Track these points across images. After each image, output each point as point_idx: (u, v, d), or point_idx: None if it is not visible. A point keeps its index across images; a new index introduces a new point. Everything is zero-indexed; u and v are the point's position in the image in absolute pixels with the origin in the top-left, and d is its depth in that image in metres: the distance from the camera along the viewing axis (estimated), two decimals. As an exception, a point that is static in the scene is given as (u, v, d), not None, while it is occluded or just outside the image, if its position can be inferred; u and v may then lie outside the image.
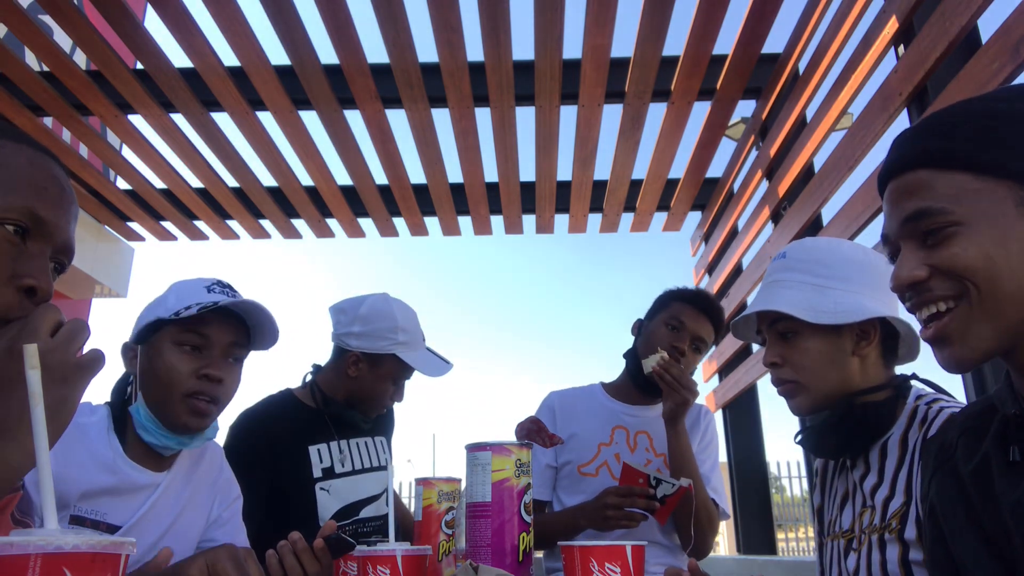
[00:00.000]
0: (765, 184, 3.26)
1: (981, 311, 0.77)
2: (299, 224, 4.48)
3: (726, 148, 3.77)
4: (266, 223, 4.46)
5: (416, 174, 3.87)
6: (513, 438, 1.39)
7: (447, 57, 2.92)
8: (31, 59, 3.28)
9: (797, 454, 13.47)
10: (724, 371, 3.92)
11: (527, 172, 3.82)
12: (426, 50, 2.98)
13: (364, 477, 2.00)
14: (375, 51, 2.99)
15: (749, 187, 3.45)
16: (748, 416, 3.89)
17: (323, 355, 2.09)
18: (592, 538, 1.80)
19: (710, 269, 4.22)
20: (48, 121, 3.66)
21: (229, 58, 3.02)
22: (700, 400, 2.17)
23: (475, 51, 2.90)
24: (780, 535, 12.63)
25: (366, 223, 4.44)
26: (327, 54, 2.98)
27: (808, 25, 2.75)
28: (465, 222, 4.41)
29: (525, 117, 3.32)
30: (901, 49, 2.08)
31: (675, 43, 2.90)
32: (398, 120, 3.42)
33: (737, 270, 3.78)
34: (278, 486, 1.87)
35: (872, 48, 2.19)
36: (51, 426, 0.71)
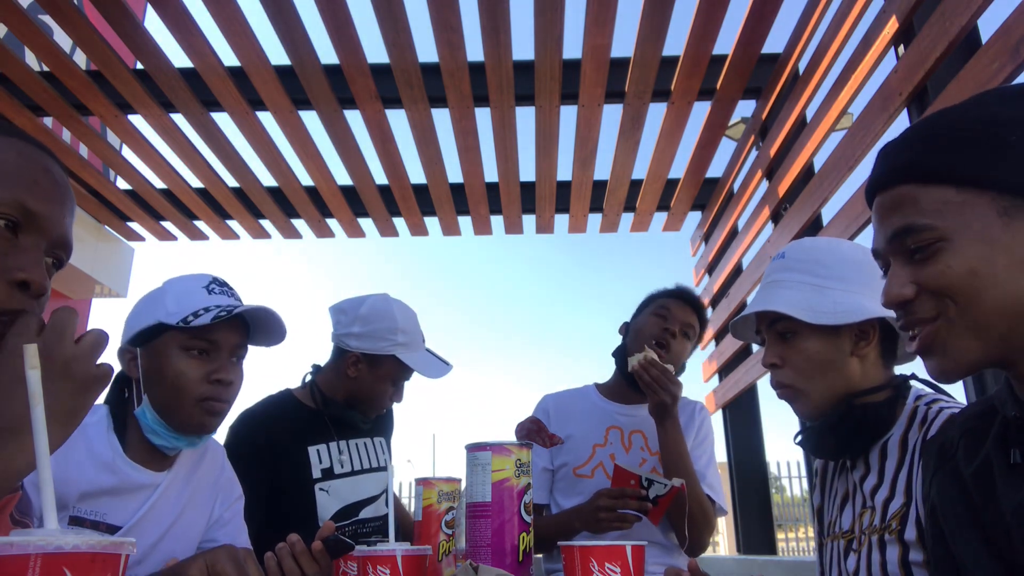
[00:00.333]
0: (765, 184, 3.26)
1: (962, 326, 0.77)
2: (299, 224, 4.48)
3: (726, 148, 3.77)
4: (266, 223, 4.46)
5: (416, 174, 3.88)
6: (513, 438, 1.39)
7: (447, 57, 2.92)
8: (31, 59, 3.28)
9: (797, 454, 13.48)
10: (724, 371, 3.92)
11: (527, 172, 3.82)
12: (426, 50, 2.98)
13: (363, 478, 2.00)
14: (375, 51, 3.00)
15: (749, 187, 3.45)
16: (748, 416, 3.89)
17: (323, 355, 2.09)
18: (592, 538, 1.80)
19: (710, 269, 4.22)
20: (48, 121, 3.67)
21: (229, 58, 3.02)
22: (700, 400, 2.19)
23: (475, 51, 2.90)
24: (780, 535, 12.64)
25: (366, 223, 4.44)
26: (327, 54, 2.98)
27: (808, 25, 2.75)
28: (465, 222, 4.41)
29: (525, 117, 3.32)
30: (901, 49, 2.08)
31: (675, 43, 2.90)
32: (398, 120, 3.42)
33: (737, 270, 3.78)
34: (277, 487, 1.87)
35: (872, 48, 2.19)
36: (61, 432, 0.72)
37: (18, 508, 0.87)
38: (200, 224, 4.51)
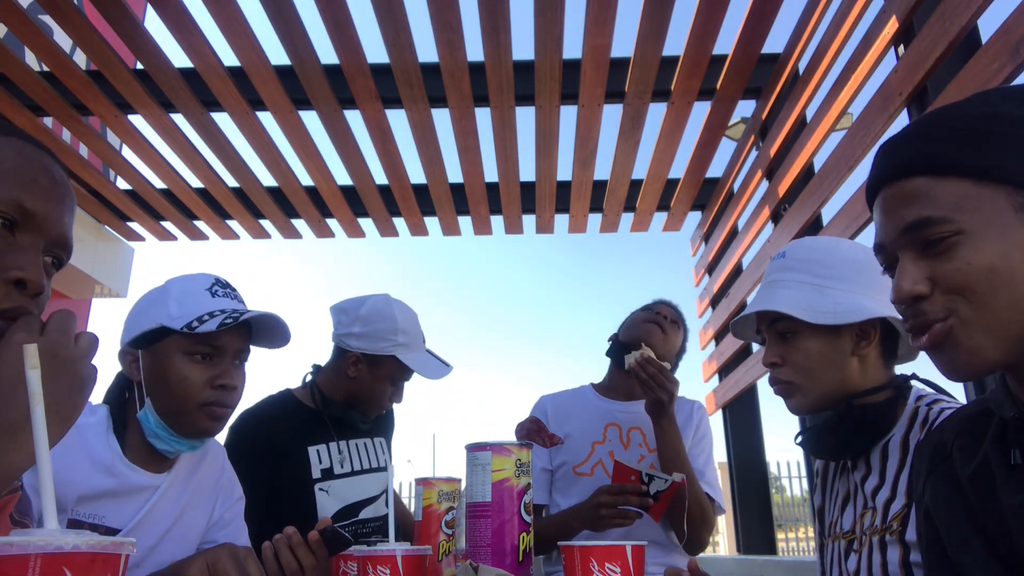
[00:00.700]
0: (765, 184, 3.26)
1: (976, 324, 0.75)
2: (299, 224, 4.48)
3: (726, 148, 3.77)
4: (266, 223, 4.46)
5: (416, 174, 3.88)
6: (513, 438, 1.39)
7: (447, 57, 2.92)
8: (31, 59, 3.28)
9: (797, 454, 13.47)
10: (724, 371, 3.92)
11: (527, 172, 3.82)
12: (426, 50, 2.98)
13: (363, 478, 2.00)
14: (375, 51, 3.00)
15: (749, 187, 3.45)
16: (748, 416, 3.89)
17: (323, 355, 2.09)
18: (592, 538, 1.80)
19: (710, 269, 4.22)
20: (48, 121, 3.66)
21: (229, 58, 3.02)
22: (699, 400, 2.19)
23: (475, 51, 2.90)
24: (780, 535, 12.63)
25: (366, 223, 4.44)
26: (327, 54, 2.98)
27: (808, 25, 2.75)
28: (465, 222, 4.41)
29: (525, 117, 3.32)
30: (901, 49, 2.08)
31: (675, 43, 2.90)
32: (398, 120, 3.42)
33: (737, 270, 3.78)
34: (277, 487, 1.87)
35: (872, 48, 2.19)
36: (58, 430, 0.72)
37: (18, 509, 0.87)
38: (200, 224, 4.51)
